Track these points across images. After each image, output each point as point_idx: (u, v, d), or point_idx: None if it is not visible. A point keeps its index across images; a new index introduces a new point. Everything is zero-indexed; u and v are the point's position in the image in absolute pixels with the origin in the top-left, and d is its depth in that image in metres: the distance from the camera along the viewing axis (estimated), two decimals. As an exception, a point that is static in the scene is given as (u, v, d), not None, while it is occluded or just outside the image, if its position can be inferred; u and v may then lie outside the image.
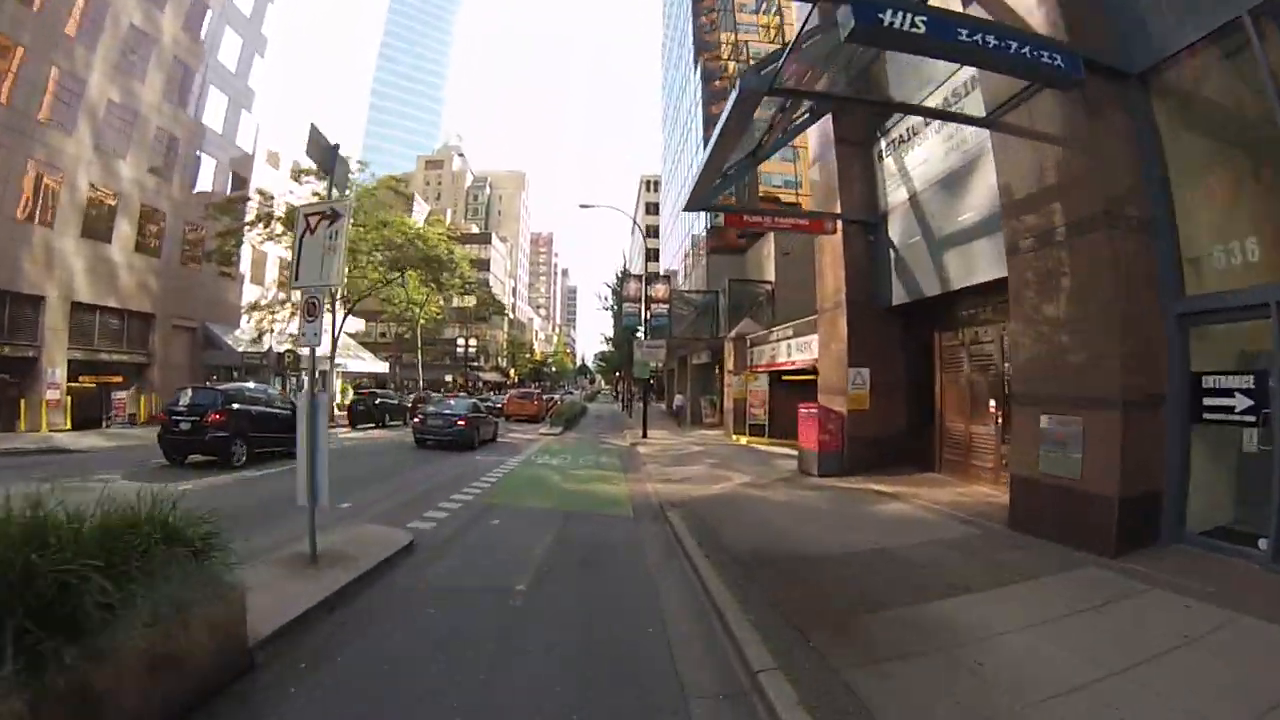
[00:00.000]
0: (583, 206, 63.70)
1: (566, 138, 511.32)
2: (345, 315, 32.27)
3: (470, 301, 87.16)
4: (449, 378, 64.62)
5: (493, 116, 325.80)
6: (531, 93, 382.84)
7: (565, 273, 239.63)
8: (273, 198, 30.27)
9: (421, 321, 56.91)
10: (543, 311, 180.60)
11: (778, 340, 19.53)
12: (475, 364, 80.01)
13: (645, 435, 23.62)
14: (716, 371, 31.54)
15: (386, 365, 52.60)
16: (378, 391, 33.96)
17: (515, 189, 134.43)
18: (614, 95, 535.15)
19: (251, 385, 17.02)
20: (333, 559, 5.94)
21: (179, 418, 13.28)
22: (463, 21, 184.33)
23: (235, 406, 13.78)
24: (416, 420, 19.85)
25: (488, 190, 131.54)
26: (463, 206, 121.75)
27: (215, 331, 31.05)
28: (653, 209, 79.61)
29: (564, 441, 23.13)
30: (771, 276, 26.11)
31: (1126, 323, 6.58)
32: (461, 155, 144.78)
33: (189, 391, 14.23)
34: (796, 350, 17.74)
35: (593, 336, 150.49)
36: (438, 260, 38.20)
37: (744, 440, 20.79)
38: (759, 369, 21.18)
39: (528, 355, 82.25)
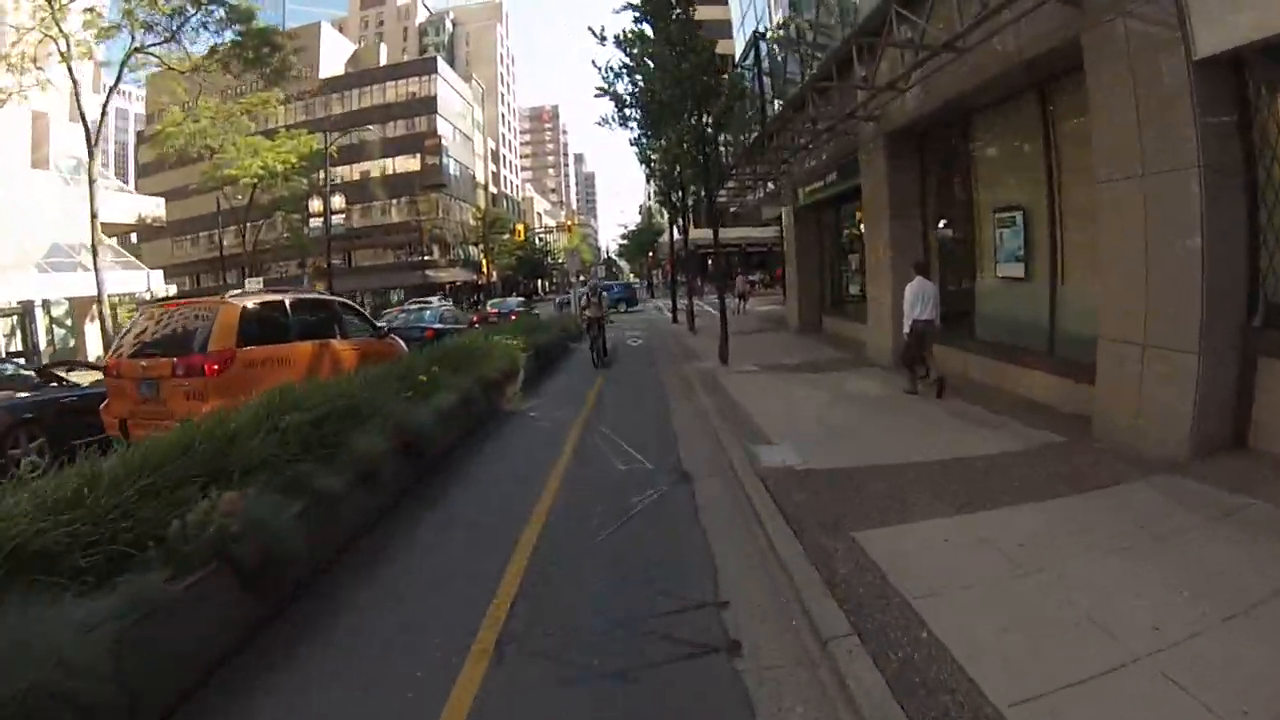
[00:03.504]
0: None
1: None
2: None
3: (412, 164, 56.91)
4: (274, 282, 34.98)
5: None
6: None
7: (580, 158, 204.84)
8: None
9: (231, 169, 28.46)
10: (553, 197, 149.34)
11: None
12: (426, 258, 50.91)
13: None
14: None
15: (148, 278, 24.31)
16: None
17: (489, 20, 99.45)
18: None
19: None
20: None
21: None
22: None
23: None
24: None
25: (449, 26, 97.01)
26: (415, 49, 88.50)
27: None
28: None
29: None
30: None
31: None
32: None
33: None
34: None
35: (616, 227, 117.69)
36: None
37: None
38: None
39: (506, 237, 52.50)
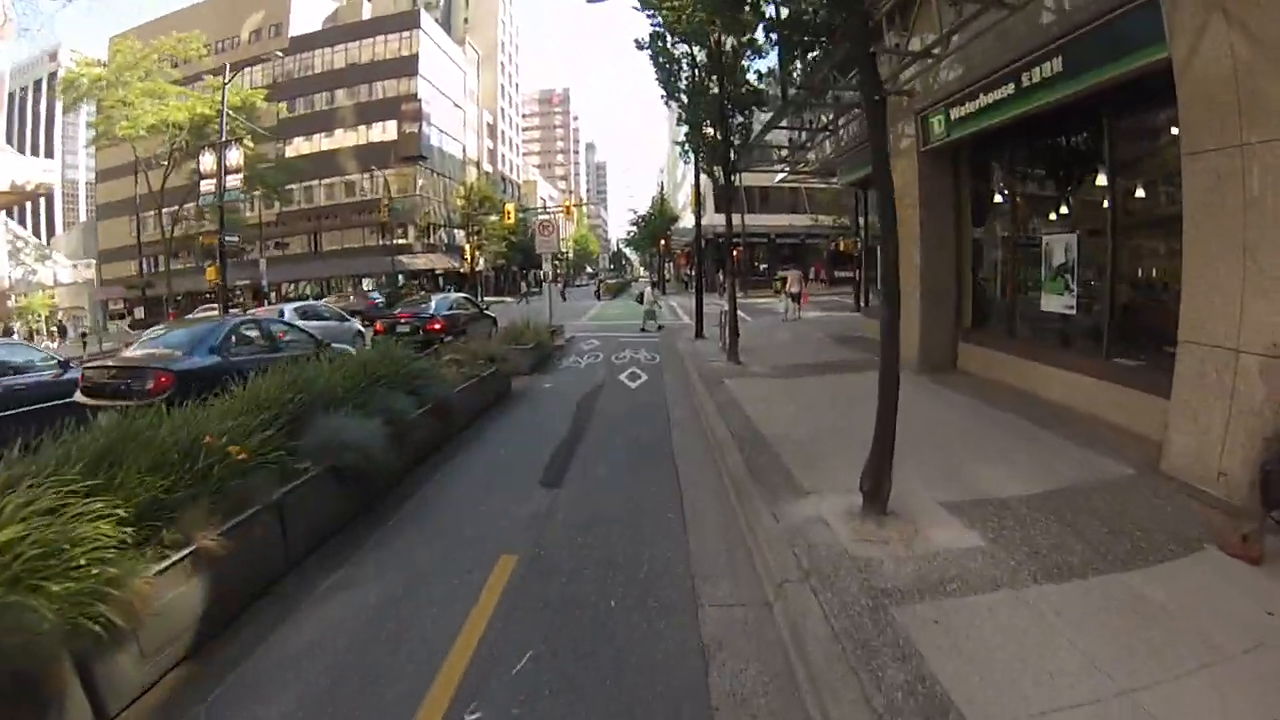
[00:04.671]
0: None
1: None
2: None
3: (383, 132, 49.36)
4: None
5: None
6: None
7: (591, 147, 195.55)
8: None
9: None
10: (562, 185, 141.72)
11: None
12: (399, 241, 44.17)
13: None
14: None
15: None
16: None
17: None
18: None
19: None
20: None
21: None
22: None
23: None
24: None
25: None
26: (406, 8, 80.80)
27: None
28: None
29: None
30: None
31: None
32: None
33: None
34: None
35: (626, 213, 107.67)
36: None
37: None
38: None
39: (495, 219, 45.54)
